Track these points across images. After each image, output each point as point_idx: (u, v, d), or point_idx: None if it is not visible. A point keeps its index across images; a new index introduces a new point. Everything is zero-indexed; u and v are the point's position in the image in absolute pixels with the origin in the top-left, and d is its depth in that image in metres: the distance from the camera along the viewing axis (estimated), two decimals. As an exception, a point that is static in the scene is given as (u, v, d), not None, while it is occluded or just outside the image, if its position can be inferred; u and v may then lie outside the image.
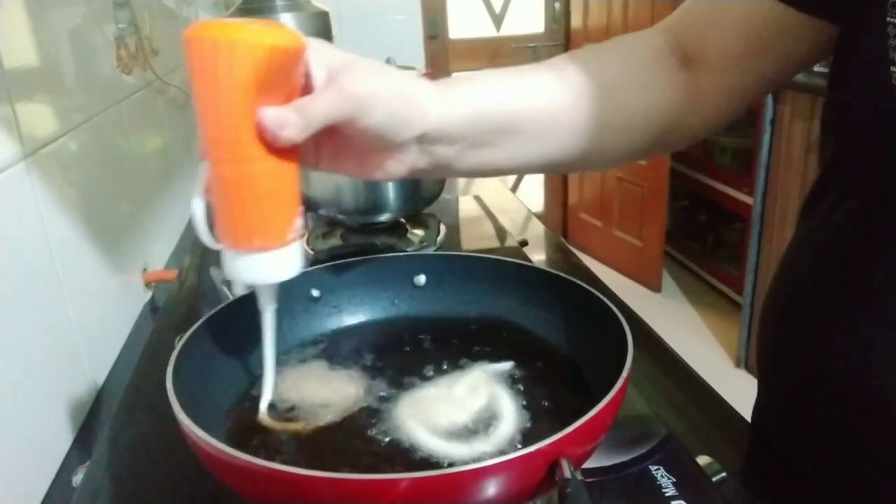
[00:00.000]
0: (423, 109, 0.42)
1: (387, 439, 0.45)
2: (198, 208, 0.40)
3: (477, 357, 0.54)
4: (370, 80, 0.39)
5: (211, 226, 0.41)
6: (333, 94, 0.38)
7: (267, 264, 0.40)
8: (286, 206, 0.40)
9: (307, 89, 0.39)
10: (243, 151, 0.37)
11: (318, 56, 0.39)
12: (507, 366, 0.52)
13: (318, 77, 0.39)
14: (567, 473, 0.35)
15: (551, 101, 0.47)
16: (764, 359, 0.56)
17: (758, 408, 0.57)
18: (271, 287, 0.44)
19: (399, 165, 0.43)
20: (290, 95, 0.38)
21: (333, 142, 0.42)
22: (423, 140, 0.43)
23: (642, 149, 0.52)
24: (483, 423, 0.46)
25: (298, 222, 0.41)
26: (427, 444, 0.44)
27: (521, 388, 0.50)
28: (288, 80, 0.38)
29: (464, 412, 0.47)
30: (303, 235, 0.42)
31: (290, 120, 0.36)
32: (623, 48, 0.51)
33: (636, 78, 0.49)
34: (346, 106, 0.38)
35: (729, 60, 0.49)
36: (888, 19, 0.38)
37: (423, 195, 0.89)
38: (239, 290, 0.45)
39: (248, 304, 0.54)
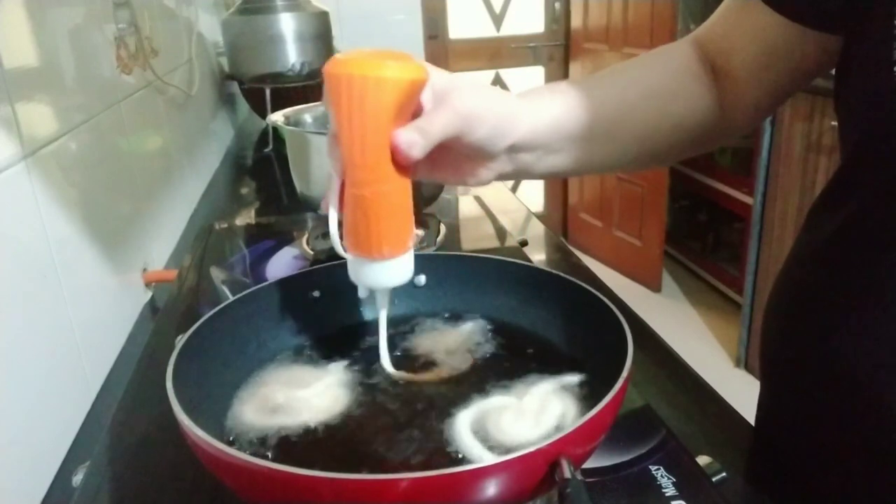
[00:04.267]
0: (517, 123, 0.46)
1: (391, 439, 0.45)
2: (333, 222, 0.45)
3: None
4: (474, 99, 0.43)
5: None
6: (446, 113, 0.42)
7: (392, 270, 0.45)
8: (408, 219, 0.45)
9: (417, 112, 0.44)
10: (381, 172, 0.42)
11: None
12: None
13: (426, 98, 0.44)
14: (567, 473, 0.35)
15: (613, 109, 0.51)
16: (766, 358, 0.56)
17: (760, 407, 0.57)
18: (389, 289, 0.49)
19: (489, 172, 0.48)
20: (409, 119, 0.43)
21: (431, 154, 0.45)
22: (513, 149, 0.47)
23: (682, 151, 0.56)
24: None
25: (414, 233, 0.46)
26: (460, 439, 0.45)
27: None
28: (413, 106, 0.43)
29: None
30: (417, 243, 0.46)
31: (416, 140, 0.41)
32: (663, 58, 0.55)
33: (680, 85, 0.53)
34: (457, 124, 0.42)
35: (749, 72, 0.52)
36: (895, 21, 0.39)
37: (423, 195, 0.89)
38: (363, 294, 0.50)
39: (247, 304, 0.55)
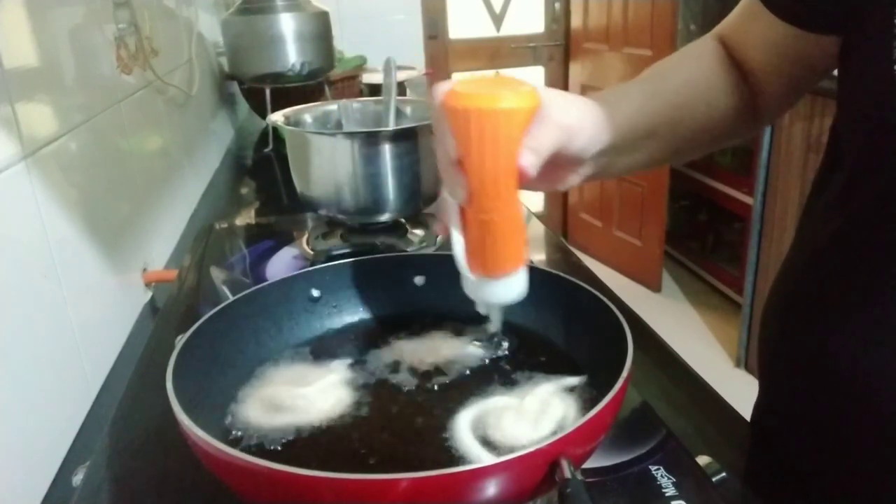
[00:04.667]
0: (606, 130, 0.48)
1: (391, 438, 0.45)
2: (458, 246, 0.46)
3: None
4: (572, 112, 0.45)
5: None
6: (551, 129, 0.43)
7: (513, 285, 0.46)
8: (524, 235, 0.46)
9: None
10: (509, 197, 0.43)
11: None
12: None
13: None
14: (567, 473, 0.35)
15: (675, 106, 0.54)
16: (765, 359, 0.56)
17: (758, 408, 0.57)
18: (504, 305, 0.49)
19: (577, 177, 0.50)
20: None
21: None
22: (598, 153, 0.48)
23: (721, 142, 0.58)
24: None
25: (527, 247, 0.47)
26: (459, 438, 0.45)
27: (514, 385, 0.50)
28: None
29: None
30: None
31: (532, 161, 0.41)
32: (700, 54, 0.57)
33: (720, 78, 0.55)
34: (561, 138, 0.43)
35: (764, 70, 0.54)
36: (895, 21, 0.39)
37: (423, 195, 0.89)
38: (482, 310, 0.50)
39: (247, 304, 0.55)
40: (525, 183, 0.42)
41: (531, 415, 0.45)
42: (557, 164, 0.47)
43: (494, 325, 0.51)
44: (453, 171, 0.43)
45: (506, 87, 0.41)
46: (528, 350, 0.55)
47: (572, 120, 0.44)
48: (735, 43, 0.56)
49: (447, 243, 0.87)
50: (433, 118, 0.44)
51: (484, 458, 0.42)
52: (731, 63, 0.56)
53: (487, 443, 0.44)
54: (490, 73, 3.29)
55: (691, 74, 0.56)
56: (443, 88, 0.42)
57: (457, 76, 3.24)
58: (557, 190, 0.51)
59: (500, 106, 0.40)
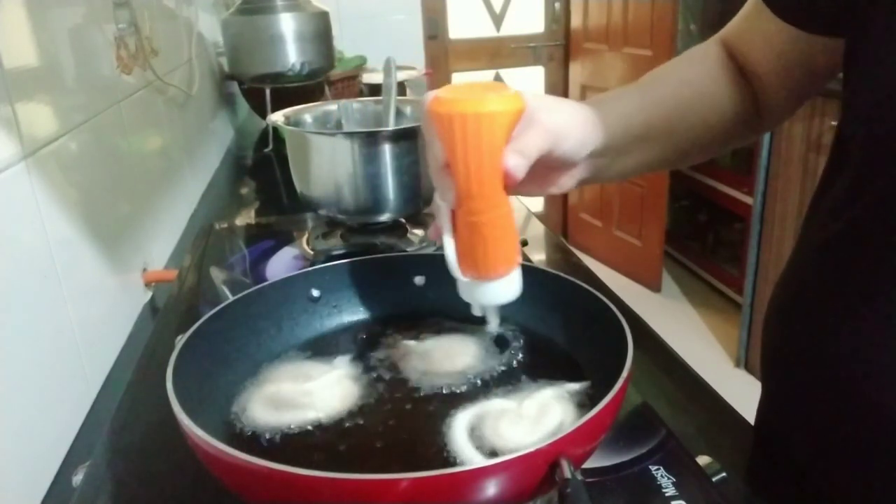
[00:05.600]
0: (596, 131, 0.48)
1: (391, 438, 0.45)
2: (450, 249, 0.46)
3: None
4: (560, 115, 0.46)
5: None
6: (538, 132, 0.43)
7: (506, 286, 0.47)
8: (516, 235, 0.46)
9: None
10: (496, 199, 0.43)
11: None
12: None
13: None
14: (567, 473, 0.35)
15: (672, 108, 0.54)
16: (767, 358, 0.56)
17: (761, 407, 0.57)
18: (499, 306, 0.50)
19: (570, 180, 0.50)
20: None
21: None
22: (591, 155, 0.49)
23: (722, 146, 0.58)
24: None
25: (520, 248, 0.48)
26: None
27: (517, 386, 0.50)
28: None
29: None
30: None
31: (518, 163, 0.42)
32: (699, 59, 0.57)
33: (721, 81, 0.55)
34: (550, 140, 0.44)
35: (768, 74, 0.54)
36: None
37: (423, 195, 0.89)
38: (477, 312, 0.50)
39: (247, 304, 0.55)
40: (515, 185, 0.43)
41: (529, 419, 0.45)
42: (550, 167, 0.48)
43: (492, 326, 0.51)
44: (442, 175, 0.43)
45: (490, 91, 0.42)
46: (527, 351, 0.55)
47: (560, 122, 0.45)
48: (738, 47, 0.56)
49: (447, 243, 0.86)
50: (422, 124, 0.45)
51: (476, 462, 0.42)
52: (734, 67, 0.56)
53: (482, 445, 0.44)
54: (490, 72, 3.30)
55: (690, 78, 0.56)
56: (430, 95, 0.42)
57: (457, 76, 3.24)
58: (553, 194, 0.51)
59: (482, 110, 0.41)
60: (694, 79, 0.56)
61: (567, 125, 0.45)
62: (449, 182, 0.43)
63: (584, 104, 0.50)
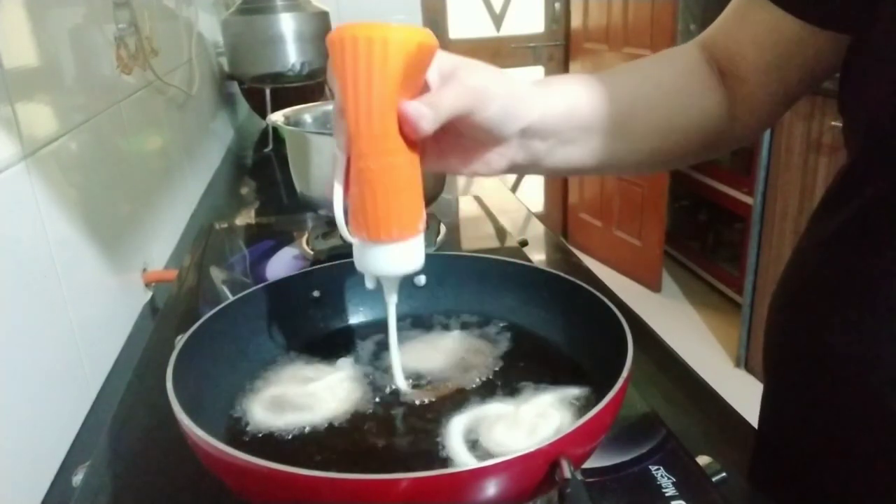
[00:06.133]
0: (528, 104, 0.45)
1: (391, 439, 0.45)
2: (338, 202, 0.42)
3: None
4: (485, 75, 0.43)
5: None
6: (456, 88, 0.41)
7: (400, 255, 0.43)
8: (418, 198, 0.43)
9: (424, 90, 0.42)
10: (388, 143, 0.40)
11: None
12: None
13: (432, 78, 0.42)
14: (567, 473, 0.35)
15: (627, 102, 0.51)
16: (769, 357, 0.56)
17: (763, 406, 0.57)
18: (397, 279, 0.47)
19: (501, 160, 0.47)
20: (417, 94, 0.41)
21: (438, 141, 0.45)
22: (525, 134, 0.46)
23: (693, 154, 0.55)
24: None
25: (425, 215, 0.44)
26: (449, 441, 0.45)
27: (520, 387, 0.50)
28: (421, 76, 0.41)
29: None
30: (426, 229, 0.45)
31: (425, 113, 0.39)
32: (672, 58, 0.55)
33: (690, 84, 0.53)
34: (467, 99, 0.41)
35: (757, 74, 0.51)
36: None
37: (422, 195, 0.89)
38: (370, 285, 0.47)
39: (247, 304, 0.55)
40: (416, 136, 0.40)
41: (525, 424, 0.45)
42: (476, 140, 0.45)
43: (389, 298, 0.47)
44: (338, 117, 0.41)
45: (401, 26, 0.39)
46: (527, 351, 0.55)
47: (483, 84, 0.42)
48: (723, 49, 0.53)
49: (447, 243, 0.87)
50: (328, 75, 0.42)
51: (469, 465, 0.41)
52: (710, 71, 0.53)
53: (477, 449, 0.43)
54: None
55: (660, 77, 0.53)
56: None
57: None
58: (481, 174, 0.48)
59: (375, 34, 0.38)
60: (664, 79, 0.53)
61: (490, 89, 0.42)
62: (342, 124, 0.40)
63: (527, 80, 0.48)
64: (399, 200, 0.42)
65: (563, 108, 0.48)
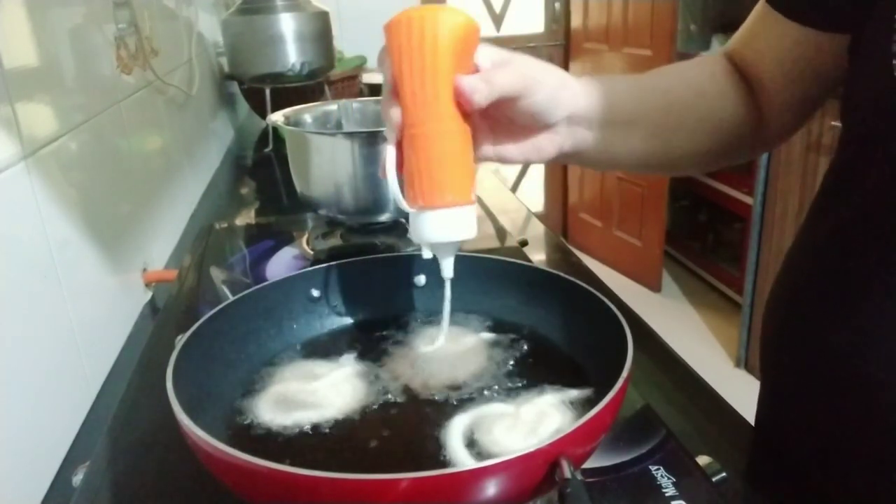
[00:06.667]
0: (573, 93, 0.49)
1: (390, 439, 0.45)
2: (395, 184, 0.45)
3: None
4: (536, 66, 0.47)
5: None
6: (510, 71, 0.44)
7: (454, 221, 0.45)
8: (470, 167, 0.45)
9: (474, 73, 0.45)
10: (441, 109, 0.43)
11: (483, 50, 0.46)
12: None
13: (484, 65, 0.45)
14: (567, 473, 0.35)
15: (662, 100, 0.54)
16: (766, 356, 0.56)
17: (760, 404, 0.57)
18: (452, 249, 0.48)
19: (550, 146, 0.50)
20: (469, 73, 0.44)
21: (493, 129, 0.49)
22: (571, 121, 0.49)
23: (720, 157, 0.57)
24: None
25: (476, 187, 0.47)
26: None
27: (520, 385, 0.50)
28: (471, 55, 0.45)
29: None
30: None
31: (479, 86, 0.43)
32: (702, 64, 0.58)
33: (720, 88, 0.55)
34: (519, 83, 0.44)
35: (776, 82, 0.53)
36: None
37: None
38: (427, 255, 0.48)
39: (247, 304, 0.55)
40: (470, 107, 0.43)
41: (525, 425, 0.45)
42: (526, 125, 0.48)
43: (445, 272, 0.49)
44: (389, 99, 0.45)
45: (449, 8, 0.43)
46: (527, 351, 0.55)
47: (534, 71, 0.46)
48: (746, 56, 0.55)
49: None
50: (379, 60, 0.46)
51: (469, 465, 0.41)
52: (739, 78, 0.55)
53: (477, 449, 0.43)
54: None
55: (692, 78, 0.56)
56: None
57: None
58: (533, 161, 0.51)
59: (426, 13, 0.42)
60: (696, 80, 0.55)
61: (541, 76, 0.46)
62: (396, 110, 0.44)
63: (569, 73, 0.51)
64: (453, 166, 0.44)
65: (607, 101, 0.51)
